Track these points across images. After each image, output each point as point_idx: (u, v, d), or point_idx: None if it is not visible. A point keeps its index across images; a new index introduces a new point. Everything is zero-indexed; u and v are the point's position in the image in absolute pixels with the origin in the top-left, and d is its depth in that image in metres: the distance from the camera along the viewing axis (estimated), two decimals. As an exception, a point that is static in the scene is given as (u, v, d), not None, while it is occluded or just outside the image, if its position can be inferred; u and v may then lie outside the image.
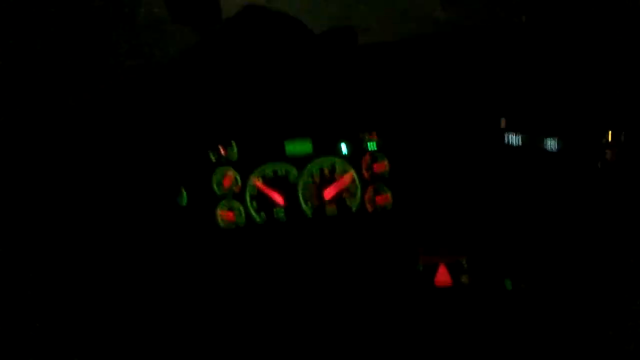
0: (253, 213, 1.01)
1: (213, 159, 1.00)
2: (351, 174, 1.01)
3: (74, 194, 0.90)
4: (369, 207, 1.01)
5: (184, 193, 0.98)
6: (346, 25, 0.99)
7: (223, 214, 1.01)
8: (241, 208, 1.01)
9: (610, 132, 0.84)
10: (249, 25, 0.97)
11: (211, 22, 1.02)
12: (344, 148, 1.01)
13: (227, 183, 1.00)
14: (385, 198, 1.01)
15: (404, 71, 0.97)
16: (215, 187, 1.00)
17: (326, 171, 1.02)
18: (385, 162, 1.01)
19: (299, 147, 1.00)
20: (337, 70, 0.97)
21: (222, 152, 0.99)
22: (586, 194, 0.86)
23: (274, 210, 1.02)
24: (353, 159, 1.01)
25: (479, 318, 0.88)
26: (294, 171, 1.01)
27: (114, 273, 0.92)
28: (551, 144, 0.88)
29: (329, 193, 1.01)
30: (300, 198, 1.01)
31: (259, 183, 1.01)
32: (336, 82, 0.97)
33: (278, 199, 1.01)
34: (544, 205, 0.89)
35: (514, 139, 0.91)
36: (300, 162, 1.01)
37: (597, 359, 0.80)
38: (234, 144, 0.99)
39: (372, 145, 1.01)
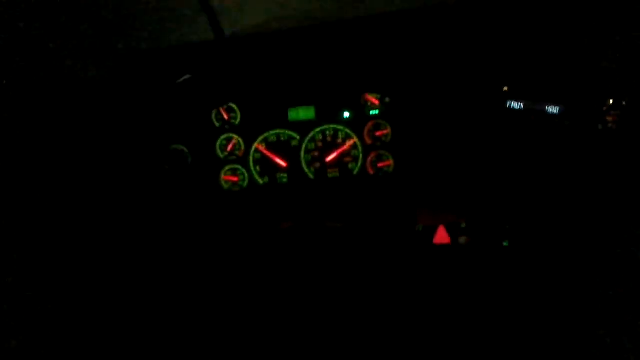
0: (256, 176, 1.03)
1: (217, 124, 1.01)
2: (353, 140, 1.03)
3: (87, 150, 0.92)
4: (370, 171, 1.03)
5: (189, 156, 1.01)
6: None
7: (227, 177, 1.03)
8: (245, 172, 1.03)
9: (611, 99, 0.84)
10: None
11: None
12: (346, 115, 1.02)
13: (230, 148, 1.02)
14: (387, 162, 1.02)
15: (406, 39, 0.97)
16: (218, 151, 1.02)
17: (329, 137, 1.03)
18: (388, 129, 1.02)
19: (302, 113, 1.02)
20: (341, 38, 0.98)
21: (225, 116, 1.01)
22: (586, 157, 0.86)
23: (277, 174, 1.04)
24: (355, 126, 1.02)
25: (476, 274, 0.89)
26: (296, 137, 1.02)
27: (121, 234, 0.94)
28: (553, 109, 0.88)
29: (330, 157, 1.03)
30: (303, 162, 1.03)
31: (262, 148, 1.03)
32: (339, 50, 0.97)
33: (281, 163, 1.03)
34: (544, 168, 0.89)
35: (516, 104, 0.91)
36: (303, 128, 1.02)
37: (591, 317, 0.81)
38: (237, 109, 1.01)
39: (374, 112, 1.02)
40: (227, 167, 1.03)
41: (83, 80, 0.94)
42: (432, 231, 0.92)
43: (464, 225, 0.92)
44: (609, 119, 0.84)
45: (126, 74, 0.94)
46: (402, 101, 1.00)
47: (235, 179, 1.03)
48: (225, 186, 1.04)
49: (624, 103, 0.83)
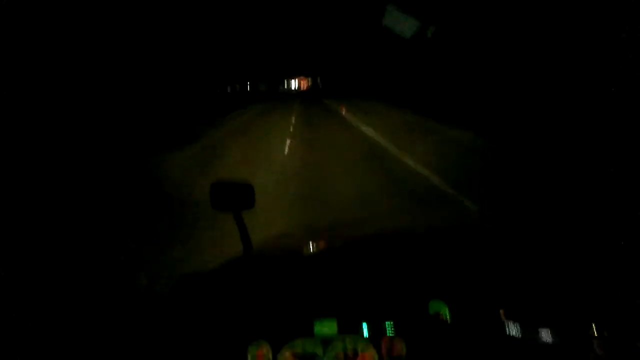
0: None
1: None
2: (372, 353, 1.13)
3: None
4: None
5: None
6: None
7: None
8: None
9: (594, 326, 0.98)
10: None
11: None
12: (365, 330, 1.15)
13: (260, 356, 1.13)
14: None
15: (412, 267, 1.17)
16: (249, 358, 1.13)
17: (349, 351, 1.14)
18: (402, 345, 1.14)
19: (326, 326, 1.15)
20: (359, 262, 1.18)
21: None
22: None
23: None
24: (373, 339, 1.15)
25: None
26: (320, 348, 1.14)
27: None
28: (545, 335, 1.02)
29: (351, 368, 1.12)
30: None
31: (289, 357, 1.13)
32: (358, 274, 1.17)
33: None
34: None
35: (512, 328, 1.05)
36: (326, 340, 1.15)
37: None
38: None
39: (390, 330, 1.15)
40: None
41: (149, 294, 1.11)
42: None
43: None
44: (596, 347, 0.97)
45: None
46: (414, 321, 1.14)
47: None
48: None
49: (605, 334, 0.97)
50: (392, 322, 1.15)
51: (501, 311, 1.07)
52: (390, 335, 1.15)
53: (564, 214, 4.47)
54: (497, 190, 6.49)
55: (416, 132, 14.53)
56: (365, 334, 1.15)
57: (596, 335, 0.98)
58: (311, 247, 1.36)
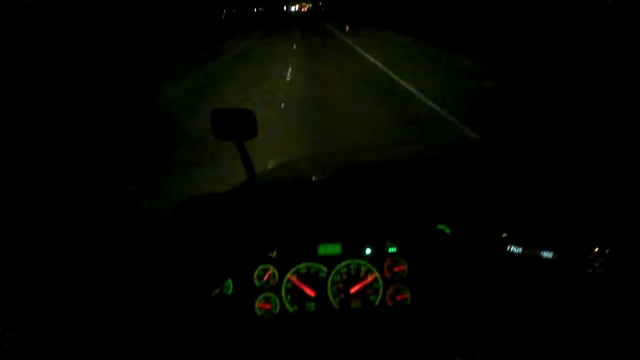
0: (287, 305, 1.15)
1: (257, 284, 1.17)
2: (375, 274, 1.16)
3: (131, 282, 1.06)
4: (390, 303, 1.15)
5: (231, 285, 1.14)
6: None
7: (260, 305, 1.15)
8: (277, 300, 1.15)
9: (596, 247, 0.99)
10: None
11: None
12: (368, 251, 1.18)
13: (266, 277, 1.16)
14: (404, 296, 1.15)
15: (419, 190, 1.16)
16: (255, 281, 1.16)
17: (353, 271, 1.17)
18: (405, 265, 1.16)
19: (330, 249, 1.17)
20: (361, 190, 1.18)
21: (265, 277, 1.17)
22: (578, 298, 0.99)
23: (306, 303, 1.16)
24: (376, 261, 1.17)
25: None
26: (324, 269, 1.17)
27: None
28: (547, 254, 1.03)
29: (354, 289, 1.16)
30: (329, 293, 1.16)
31: (294, 279, 1.16)
32: (364, 196, 1.16)
33: (310, 292, 1.16)
34: (543, 305, 1.01)
35: (515, 249, 1.06)
36: (330, 262, 1.17)
37: None
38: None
39: (392, 250, 1.17)
40: (261, 295, 1.16)
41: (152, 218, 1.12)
42: None
43: None
44: (596, 264, 0.99)
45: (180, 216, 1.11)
46: (417, 242, 1.16)
47: (268, 306, 1.15)
48: (259, 313, 1.15)
49: (607, 251, 0.98)
50: (395, 245, 1.17)
51: (504, 234, 1.08)
52: (393, 256, 1.17)
53: (565, 137, 4.44)
54: (498, 117, 6.41)
55: (420, 58, 14.12)
56: (369, 255, 1.17)
57: (597, 252, 1.00)
58: (314, 173, 1.35)
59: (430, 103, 7.81)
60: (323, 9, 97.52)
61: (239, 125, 1.36)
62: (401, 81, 9.98)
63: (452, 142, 2.73)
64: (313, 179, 1.30)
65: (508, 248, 1.06)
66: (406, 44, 19.02)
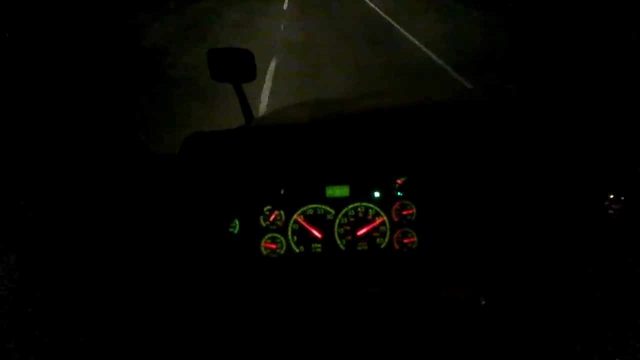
0: (293, 245, 1.14)
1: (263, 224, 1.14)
2: (382, 217, 1.15)
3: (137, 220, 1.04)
4: (396, 246, 1.14)
5: (237, 224, 1.12)
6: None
7: (266, 245, 1.14)
8: (283, 240, 1.14)
9: (610, 195, 0.98)
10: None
11: None
12: (376, 194, 1.15)
13: (272, 218, 1.14)
14: (412, 239, 1.14)
15: (430, 131, 1.13)
16: (262, 221, 1.14)
17: (360, 214, 1.15)
18: (413, 209, 1.15)
19: (337, 191, 1.15)
20: (372, 129, 1.14)
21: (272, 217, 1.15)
22: (594, 241, 0.99)
23: (312, 244, 1.15)
24: (384, 204, 1.15)
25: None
26: (332, 211, 1.15)
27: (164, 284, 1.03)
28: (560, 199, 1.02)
29: (361, 232, 1.15)
30: (336, 234, 1.15)
31: (300, 220, 1.15)
32: (371, 138, 1.13)
33: (316, 234, 1.14)
34: (556, 247, 1.01)
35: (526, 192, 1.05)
36: (338, 204, 1.15)
37: None
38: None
39: (401, 193, 1.15)
40: (267, 235, 1.14)
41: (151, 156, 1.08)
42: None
43: (483, 302, 1.01)
44: (611, 212, 0.98)
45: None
46: (426, 185, 1.14)
47: (274, 246, 1.14)
48: (265, 253, 1.14)
49: (622, 198, 0.97)
50: (402, 189, 1.15)
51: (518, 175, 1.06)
52: (401, 200, 1.15)
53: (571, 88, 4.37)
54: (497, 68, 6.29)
55: (421, 7, 13.67)
56: (377, 199, 1.15)
57: (612, 198, 0.98)
58: (316, 117, 1.30)
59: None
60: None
61: (237, 66, 1.30)
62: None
63: (453, 93, 2.67)
64: (318, 122, 1.26)
65: (518, 195, 1.05)
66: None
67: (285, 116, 1.38)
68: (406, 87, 5.91)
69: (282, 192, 1.13)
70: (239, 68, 1.29)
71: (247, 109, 1.38)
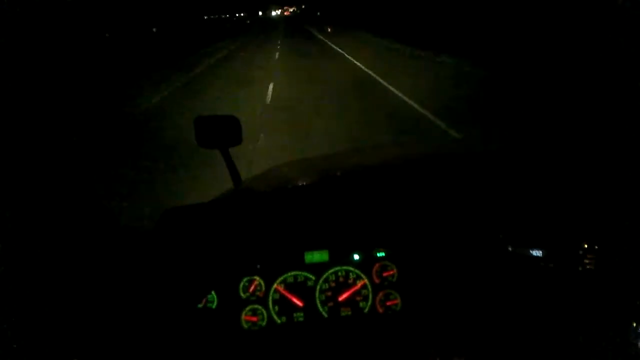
0: (274, 316, 1.12)
1: (243, 296, 1.13)
2: (364, 280, 1.14)
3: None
4: (380, 309, 1.12)
5: (215, 298, 1.10)
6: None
7: (247, 317, 1.12)
8: (264, 311, 1.12)
9: (585, 243, 0.98)
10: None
11: None
12: (356, 257, 1.15)
13: (251, 289, 1.13)
14: (395, 301, 1.12)
15: (406, 195, 1.14)
16: (241, 292, 1.13)
17: (341, 278, 1.14)
18: (394, 270, 1.14)
19: (317, 256, 1.14)
20: (348, 195, 1.15)
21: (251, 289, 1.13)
22: (572, 295, 0.97)
23: (294, 314, 1.12)
24: (364, 267, 1.14)
25: None
26: (312, 278, 1.14)
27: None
28: (537, 253, 1.02)
29: (343, 297, 1.13)
30: (317, 301, 1.13)
31: (280, 289, 1.13)
32: (350, 201, 1.14)
33: (298, 302, 1.12)
34: (534, 306, 1.00)
35: (509, 250, 1.05)
36: (318, 269, 1.14)
37: None
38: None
39: (381, 254, 1.15)
40: (248, 308, 1.12)
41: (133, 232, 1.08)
42: None
43: None
44: (586, 261, 0.97)
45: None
46: (406, 245, 1.14)
47: (255, 319, 1.12)
48: (246, 326, 1.12)
49: (596, 247, 0.97)
50: (383, 250, 1.15)
51: (499, 235, 1.07)
52: (381, 261, 1.14)
53: (551, 135, 4.48)
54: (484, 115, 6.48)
55: (401, 58, 14.21)
56: (357, 261, 1.15)
57: (586, 248, 0.98)
58: (299, 178, 1.32)
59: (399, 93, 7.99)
60: (306, 13, 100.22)
61: (223, 132, 1.33)
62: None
63: (438, 144, 2.73)
64: (298, 185, 1.27)
65: (503, 248, 1.05)
66: (383, 44, 19.34)
67: (272, 178, 1.39)
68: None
69: (258, 267, 1.13)
70: (225, 134, 1.32)
71: (234, 172, 1.40)
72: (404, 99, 8.44)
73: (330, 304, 1.13)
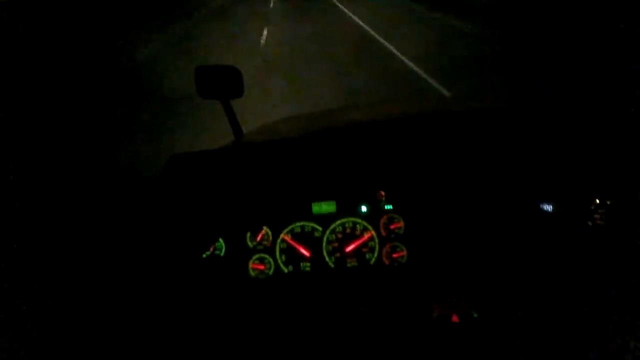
0: (282, 265, 1.12)
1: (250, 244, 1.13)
2: (371, 232, 1.14)
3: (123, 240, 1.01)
4: (386, 261, 1.13)
5: (223, 246, 1.10)
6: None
7: (254, 266, 1.12)
8: (271, 260, 1.12)
9: (597, 200, 0.98)
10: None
11: None
12: (364, 209, 1.14)
13: (259, 238, 1.12)
14: (401, 253, 1.12)
15: (416, 144, 1.12)
16: (248, 241, 1.12)
17: (348, 229, 1.14)
18: (401, 222, 1.14)
19: (324, 207, 1.14)
20: (356, 143, 1.13)
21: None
22: (579, 250, 0.98)
23: (301, 263, 1.13)
24: (372, 219, 1.14)
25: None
26: (319, 228, 1.13)
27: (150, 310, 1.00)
28: (547, 207, 1.01)
29: (349, 248, 1.13)
30: (324, 252, 1.13)
31: (288, 238, 1.13)
32: (355, 152, 1.12)
33: (305, 252, 1.13)
34: (545, 258, 1.00)
35: (517, 203, 1.04)
36: (325, 220, 1.14)
37: None
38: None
39: (388, 207, 1.14)
40: (255, 256, 1.12)
41: (137, 179, 1.06)
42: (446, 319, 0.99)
43: (475, 315, 0.99)
44: (597, 216, 0.97)
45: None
46: (412, 197, 1.13)
47: (262, 267, 1.12)
48: (253, 274, 1.12)
49: (608, 203, 0.97)
50: (390, 202, 1.14)
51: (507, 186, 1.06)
52: (389, 214, 1.14)
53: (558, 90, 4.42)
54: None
55: (404, 17, 13.84)
56: (364, 213, 1.14)
57: (597, 204, 0.98)
58: (303, 132, 1.30)
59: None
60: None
61: (224, 83, 1.29)
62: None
63: (437, 100, 2.68)
64: (303, 137, 1.25)
65: (510, 201, 1.04)
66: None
67: (274, 131, 1.37)
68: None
69: (265, 216, 1.12)
70: (227, 85, 1.28)
71: (236, 125, 1.37)
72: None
73: (337, 254, 1.13)
